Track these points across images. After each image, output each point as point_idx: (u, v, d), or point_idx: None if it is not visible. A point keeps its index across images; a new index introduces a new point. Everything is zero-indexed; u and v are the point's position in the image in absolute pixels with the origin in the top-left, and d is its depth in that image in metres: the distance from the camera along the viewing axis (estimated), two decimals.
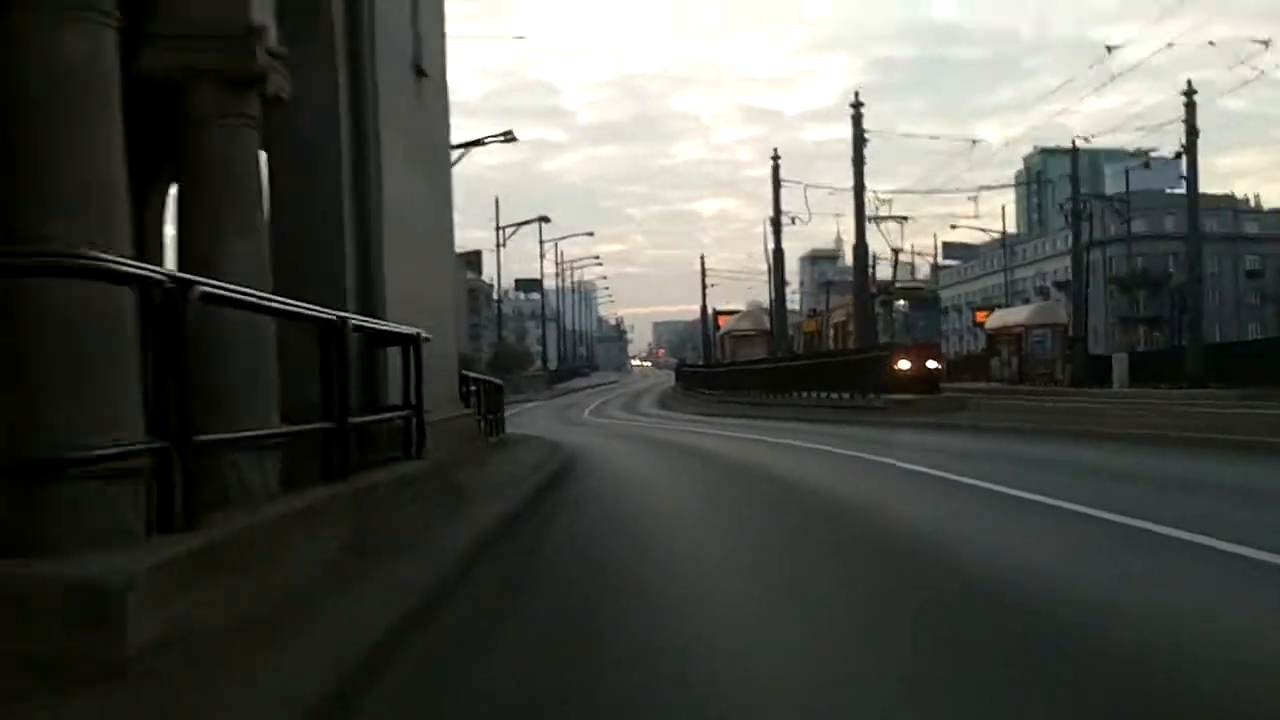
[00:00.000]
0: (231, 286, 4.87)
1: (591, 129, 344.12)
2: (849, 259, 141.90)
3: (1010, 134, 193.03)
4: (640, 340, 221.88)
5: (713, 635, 4.51)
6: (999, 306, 75.13)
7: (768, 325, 47.29)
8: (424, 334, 8.38)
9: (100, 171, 4.26)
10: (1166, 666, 3.81)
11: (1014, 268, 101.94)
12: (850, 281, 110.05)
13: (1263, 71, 31.71)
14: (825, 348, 41.66)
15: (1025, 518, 7.87)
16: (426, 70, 10.79)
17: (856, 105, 33.22)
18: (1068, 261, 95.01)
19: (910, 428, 21.16)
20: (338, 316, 6.27)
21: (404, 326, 8.29)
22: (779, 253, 42.85)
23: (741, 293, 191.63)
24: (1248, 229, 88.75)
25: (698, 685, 3.77)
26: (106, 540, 3.69)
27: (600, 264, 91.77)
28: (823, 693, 3.69)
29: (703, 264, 73.57)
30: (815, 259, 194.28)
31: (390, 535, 6.02)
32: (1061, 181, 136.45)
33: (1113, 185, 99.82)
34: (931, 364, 30.78)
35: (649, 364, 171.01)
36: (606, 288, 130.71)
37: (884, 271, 41.75)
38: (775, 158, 42.55)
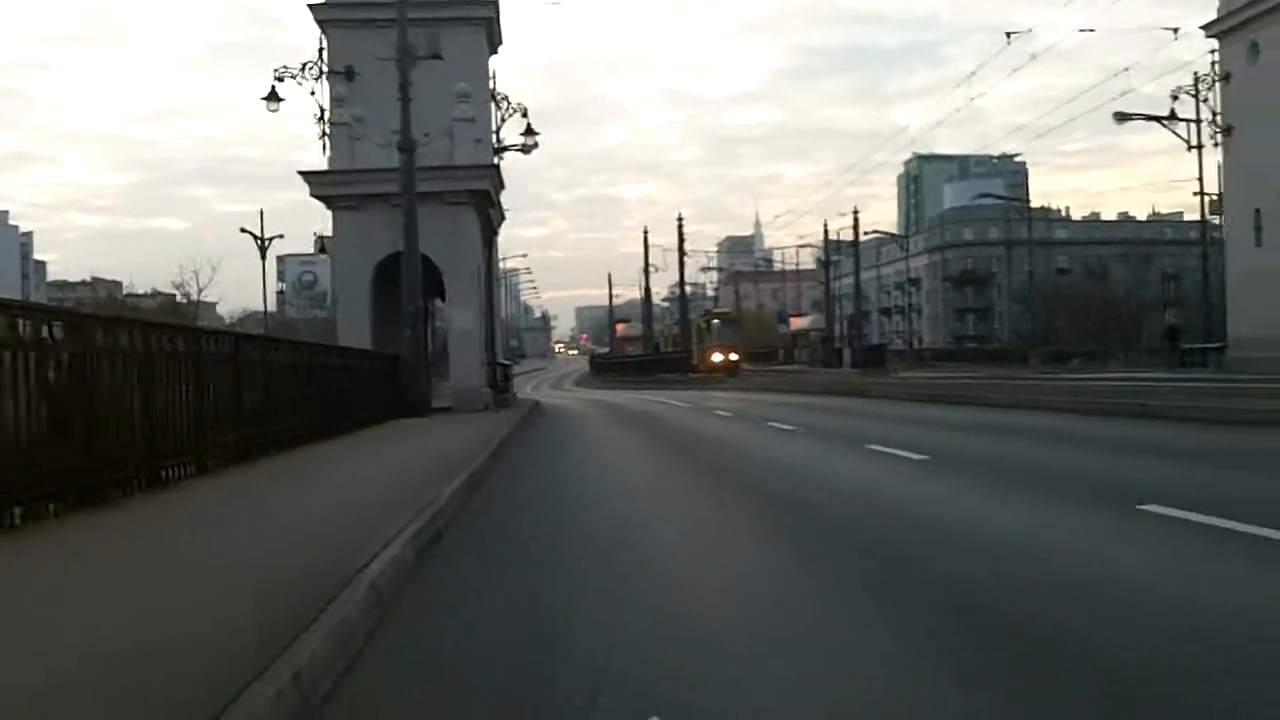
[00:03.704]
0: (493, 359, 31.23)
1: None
2: (765, 243, 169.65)
3: (927, 118, 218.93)
4: (563, 325, 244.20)
5: (582, 429, 30.67)
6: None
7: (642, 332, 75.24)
8: (507, 361, 34.75)
9: None
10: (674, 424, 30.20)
11: (881, 265, 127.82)
12: (760, 270, 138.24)
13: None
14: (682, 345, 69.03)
15: (698, 418, 34.08)
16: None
17: (679, 221, 60.73)
18: (922, 261, 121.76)
19: (696, 388, 47.78)
20: (499, 364, 32.50)
21: (503, 360, 34.64)
22: (647, 290, 70.11)
23: (662, 277, 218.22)
24: (1058, 235, 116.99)
25: (578, 425, 29.97)
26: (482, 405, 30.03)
27: (532, 278, 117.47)
28: (605, 434, 29.93)
29: (610, 283, 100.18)
30: (731, 246, 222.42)
31: (511, 409, 32.39)
32: (935, 188, 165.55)
33: (951, 198, 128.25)
34: (733, 356, 58.01)
35: (574, 352, 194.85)
36: (531, 281, 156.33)
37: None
38: (645, 232, 69.86)
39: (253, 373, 12.89)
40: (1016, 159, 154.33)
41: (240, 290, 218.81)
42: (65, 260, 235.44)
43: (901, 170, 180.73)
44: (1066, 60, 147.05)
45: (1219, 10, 39.28)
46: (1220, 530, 6.50)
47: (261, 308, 71.81)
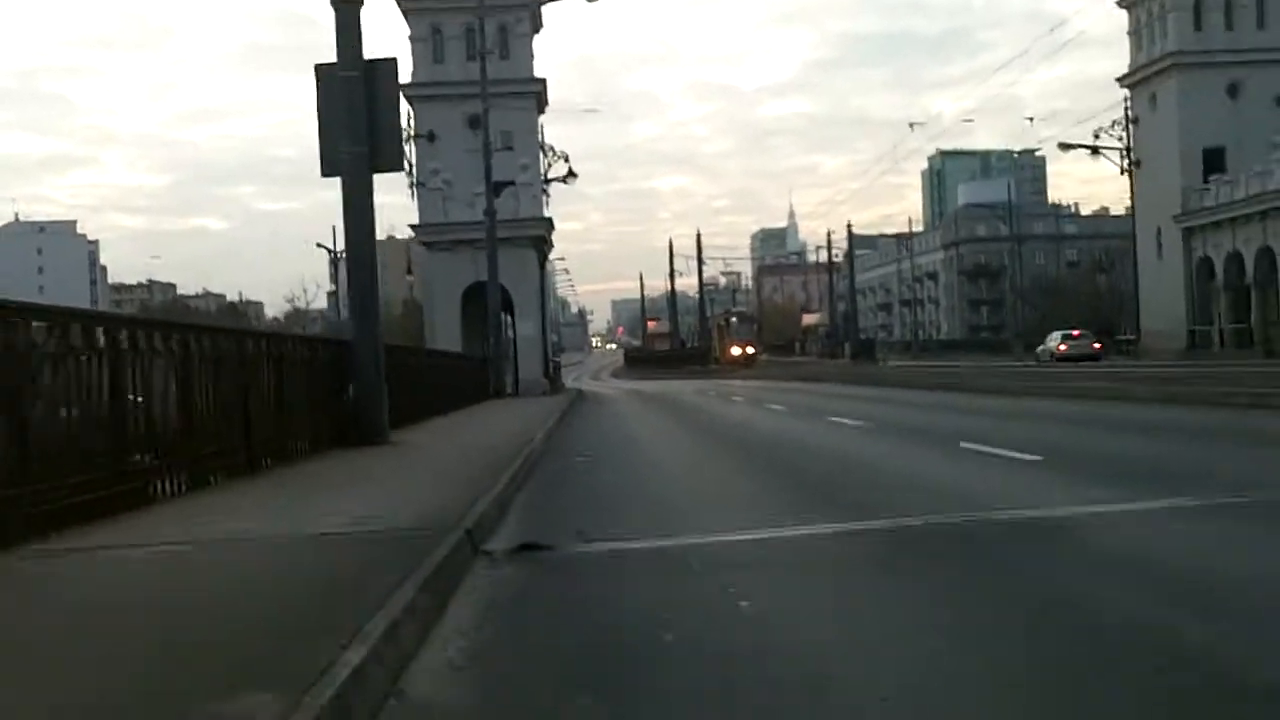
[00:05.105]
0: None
1: (550, 110, 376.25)
2: (800, 236, 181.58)
3: (961, 106, 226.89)
4: (599, 319, 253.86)
5: (614, 404, 41.34)
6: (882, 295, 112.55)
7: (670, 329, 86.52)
8: (560, 360, 45.60)
9: None
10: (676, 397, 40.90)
11: (902, 260, 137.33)
12: (789, 264, 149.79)
13: None
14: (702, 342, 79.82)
15: (693, 395, 44.64)
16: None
17: (699, 235, 71.61)
18: (938, 255, 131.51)
19: (712, 378, 58.40)
20: (552, 361, 43.28)
21: (555, 358, 45.47)
22: (673, 292, 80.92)
23: (691, 273, 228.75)
24: (1068, 230, 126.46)
25: (608, 400, 40.62)
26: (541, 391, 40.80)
27: (569, 276, 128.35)
28: (625, 402, 40.60)
29: (641, 281, 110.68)
30: (765, 238, 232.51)
31: (563, 395, 43.19)
32: (955, 182, 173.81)
33: (964, 197, 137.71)
34: (750, 350, 68.78)
35: (612, 345, 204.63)
36: (569, 278, 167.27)
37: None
38: (670, 243, 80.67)
39: (432, 370, 23.72)
40: (1037, 154, 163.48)
41: (283, 288, 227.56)
42: (111, 260, 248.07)
43: (926, 165, 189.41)
44: (1102, 46, 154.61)
45: (1129, 65, 49.57)
46: (862, 428, 17.08)
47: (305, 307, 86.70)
